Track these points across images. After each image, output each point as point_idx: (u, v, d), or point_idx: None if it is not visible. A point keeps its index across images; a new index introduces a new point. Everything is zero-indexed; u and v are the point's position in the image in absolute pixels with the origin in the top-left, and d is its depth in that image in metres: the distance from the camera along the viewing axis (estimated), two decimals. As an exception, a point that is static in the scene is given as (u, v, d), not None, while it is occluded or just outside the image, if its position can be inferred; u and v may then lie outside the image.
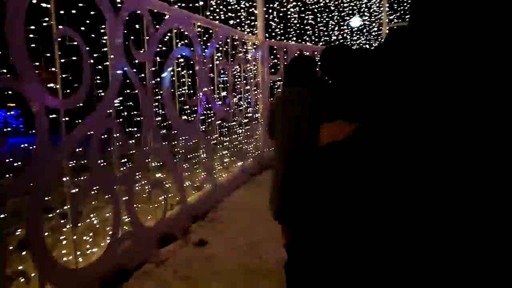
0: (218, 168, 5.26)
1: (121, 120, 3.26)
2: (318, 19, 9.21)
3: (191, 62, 4.33)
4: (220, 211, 4.59)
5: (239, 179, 5.62)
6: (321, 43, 9.20)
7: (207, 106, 4.67)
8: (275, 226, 3.32)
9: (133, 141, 3.44)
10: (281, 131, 2.98)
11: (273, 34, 7.35)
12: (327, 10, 9.52)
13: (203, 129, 4.72)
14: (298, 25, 8.36)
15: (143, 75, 3.46)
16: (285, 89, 3.06)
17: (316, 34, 9.14)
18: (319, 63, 2.52)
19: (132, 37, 3.28)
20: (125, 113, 3.32)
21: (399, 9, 10.78)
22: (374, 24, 11.03)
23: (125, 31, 3.14)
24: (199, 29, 4.60)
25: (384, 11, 10.98)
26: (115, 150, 3.18)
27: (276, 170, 3.06)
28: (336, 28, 9.90)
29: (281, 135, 2.99)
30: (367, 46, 10.93)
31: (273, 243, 3.47)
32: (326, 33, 9.51)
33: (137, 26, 3.47)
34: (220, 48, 5.18)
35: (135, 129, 3.44)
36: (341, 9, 10.06)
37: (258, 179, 5.98)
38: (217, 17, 5.54)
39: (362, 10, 10.83)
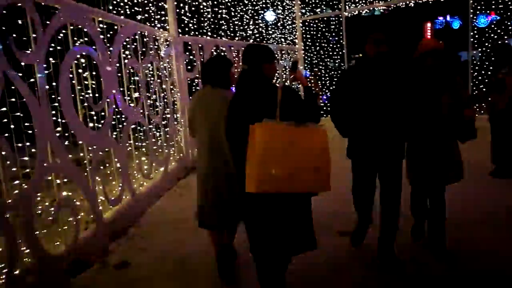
0: (137, 176, 4.82)
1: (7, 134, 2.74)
2: (232, 13, 9.00)
3: (94, 62, 3.85)
4: (143, 224, 4.19)
5: (162, 186, 5.23)
6: (237, 38, 9.02)
7: (116, 110, 4.21)
8: (207, 234, 3.07)
9: (27, 158, 2.92)
10: (200, 131, 2.96)
11: (187, 29, 6.97)
12: (241, 4, 9.35)
13: (115, 135, 4.26)
14: (212, 19, 8.07)
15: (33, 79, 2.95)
16: (202, 88, 3.08)
17: (232, 29, 8.92)
18: (242, 59, 2.40)
19: (14, 35, 2.76)
20: (13, 126, 2.79)
21: (310, 2, 11.00)
22: (288, 18, 11.13)
23: (3, 28, 2.62)
24: (101, 25, 4.12)
25: (296, 4, 11.15)
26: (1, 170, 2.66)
27: (198, 172, 3.02)
28: (251, 22, 9.79)
29: (200, 134, 2.97)
30: (283, 39, 11.01)
31: (206, 255, 3.20)
32: (241, 28, 9.34)
33: (20, 22, 2.94)
34: (128, 46, 4.72)
35: (28, 143, 2.91)
36: (254, 2, 9.96)
37: (183, 184, 5.63)
38: (122, 12, 5.04)
39: (275, 3, 10.87)
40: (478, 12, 8.94)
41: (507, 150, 4.67)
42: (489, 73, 8.54)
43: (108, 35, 4.24)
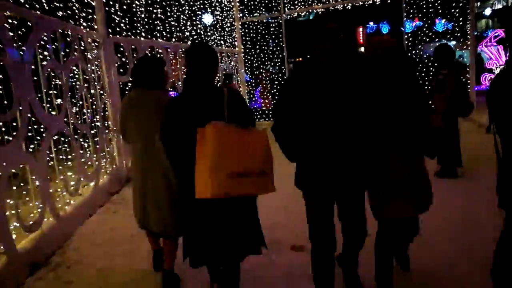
0: (62, 194, 4.22)
1: None
2: (168, 14, 8.51)
3: (1, 63, 3.25)
4: (69, 251, 3.62)
5: (93, 204, 4.65)
6: (173, 40, 8.54)
7: (33, 119, 3.62)
8: (148, 256, 2.66)
9: None
10: (134, 135, 2.77)
11: (118, 29, 6.40)
12: (177, 3, 8.89)
13: (32, 149, 3.66)
14: (146, 19, 7.53)
15: None
16: (134, 91, 2.85)
17: (168, 30, 8.43)
18: (190, 55, 2.24)
19: None
20: None
21: (249, 4, 10.81)
22: (227, 20, 10.86)
23: None
24: (10, 21, 3.52)
25: (235, 6, 10.90)
26: None
27: (135, 176, 2.84)
28: (189, 23, 9.36)
29: (134, 139, 2.78)
30: (222, 42, 10.71)
31: (145, 282, 2.77)
32: (178, 29, 8.88)
33: None
34: (48, 46, 4.12)
35: None
36: (191, 3, 9.54)
37: (117, 199, 5.08)
38: (38, 6, 4.41)
39: (213, 4, 10.53)
40: (405, 18, 9.34)
41: (450, 151, 4.73)
42: (423, 75, 8.91)
43: (20, 33, 3.64)
